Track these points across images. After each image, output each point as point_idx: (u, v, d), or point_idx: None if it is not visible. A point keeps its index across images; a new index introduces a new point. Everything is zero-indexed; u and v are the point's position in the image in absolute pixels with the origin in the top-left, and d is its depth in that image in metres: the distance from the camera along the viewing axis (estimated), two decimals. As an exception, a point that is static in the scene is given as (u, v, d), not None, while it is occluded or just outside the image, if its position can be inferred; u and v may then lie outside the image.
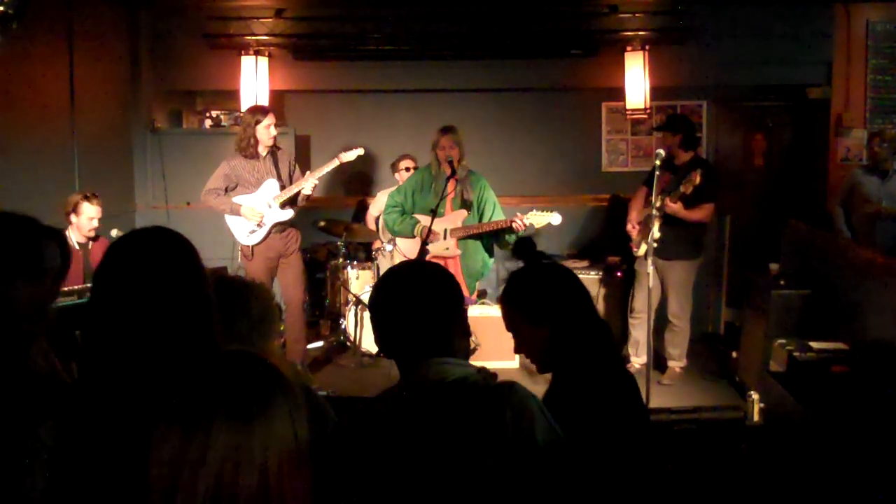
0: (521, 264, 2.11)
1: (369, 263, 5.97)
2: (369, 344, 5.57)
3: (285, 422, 1.08)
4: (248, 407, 1.06)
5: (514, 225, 4.48)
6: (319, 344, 5.95)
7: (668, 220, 4.87)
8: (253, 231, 4.99)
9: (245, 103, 6.36)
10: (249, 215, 4.93)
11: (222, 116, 6.72)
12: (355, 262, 5.94)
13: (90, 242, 4.65)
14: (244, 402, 1.06)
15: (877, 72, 6.29)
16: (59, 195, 4.79)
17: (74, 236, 4.56)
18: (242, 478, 1.02)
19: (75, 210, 4.55)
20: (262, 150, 5.02)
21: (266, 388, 1.09)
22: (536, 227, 4.55)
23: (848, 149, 6.37)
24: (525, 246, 1.79)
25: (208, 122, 6.76)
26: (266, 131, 4.94)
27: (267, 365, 1.14)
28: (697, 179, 4.65)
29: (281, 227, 5.04)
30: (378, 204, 5.99)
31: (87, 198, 4.58)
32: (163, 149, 6.55)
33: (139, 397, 1.42)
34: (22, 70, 4.91)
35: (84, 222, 4.56)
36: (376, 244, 5.92)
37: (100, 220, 4.63)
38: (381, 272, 5.68)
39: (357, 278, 5.84)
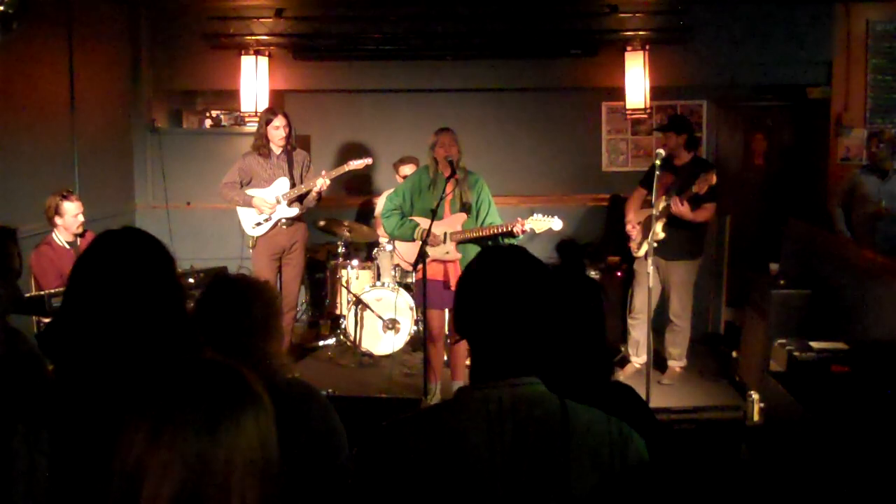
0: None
1: (369, 263, 5.97)
2: (369, 344, 5.58)
3: (252, 437, 1.08)
4: (215, 418, 1.06)
5: (514, 229, 4.47)
6: (319, 344, 5.95)
7: (671, 221, 4.87)
8: (259, 224, 5.30)
9: (245, 103, 6.37)
10: (261, 205, 5.23)
11: (222, 116, 6.72)
12: (355, 262, 5.94)
13: (78, 239, 4.60)
14: (212, 412, 1.06)
15: (877, 72, 6.30)
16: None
17: (63, 237, 4.49)
18: (205, 489, 1.02)
19: (57, 212, 4.44)
20: (276, 150, 5.31)
21: (236, 401, 1.09)
22: (538, 231, 4.54)
23: (848, 149, 6.37)
24: (570, 248, 1.76)
25: (208, 122, 6.76)
26: (275, 131, 5.24)
27: (240, 377, 1.13)
28: (714, 180, 4.66)
29: (289, 222, 5.33)
30: (381, 206, 5.99)
31: (64, 197, 4.48)
32: (163, 149, 6.55)
33: (114, 397, 1.45)
34: (22, 70, 4.91)
35: (70, 221, 4.46)
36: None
37: (84, 213, 4.54)
38: (381, 272, 5.74)
39: (357, 278, 5.84)
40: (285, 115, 5.29)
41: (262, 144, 5.27)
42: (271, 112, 5.32)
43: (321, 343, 5.98)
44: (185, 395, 1.08)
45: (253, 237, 5.33)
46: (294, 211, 5.28)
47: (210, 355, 1.17)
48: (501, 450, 1.29)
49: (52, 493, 1.41)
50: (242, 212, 5.32)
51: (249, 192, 5.26)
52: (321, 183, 5.18)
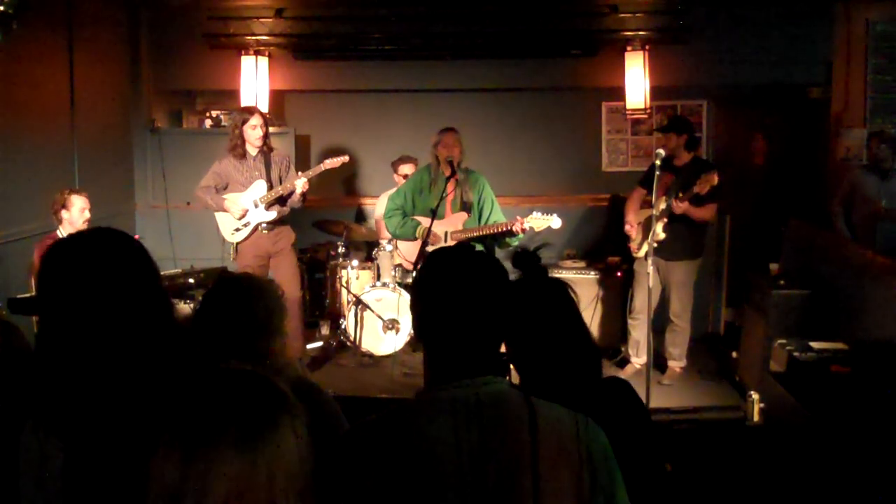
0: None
1: (369, 263, 5.97)
2: (369, 344, 5.57)
3: (291, 447, 1.05)
4: (253, 434, 1.02)
5: (514, 228, 4.47)
6: (319, 344, 5.94)
7: (671, 221, 4.88)
8: (238, 229, 5.08)
9: (245, 103, 6.36)
10: (233, 209, 5.01)
11: (222, 116, 6.72)
12: (355, 262, 5.94)
13: None
14: (250, 428, 1.03)
15: (877, 72, 6.29)
16: (59, 195, 4.78)
17: (66, 233, 4.52)
18: (248, 502, 1.00)
19: (65, 206, 4.47)
20: (252, 151, 5.07)
21: (272, 413, 1.06)
22: (537, 230, 4.54)
23: (848, 149, 6.36)
24: (525, 258, 1.75)
25: (208, 122, 6.77)
26: (252, 131, 4.99)
27: (271, 385, 1.10)
28: (715, 180, 4.67)
29: (269, 226, 5.10)
30: (381, 206, 5.99)
31: (72, 191, 4.52)
32: (163, 149, 6.55)
33: (117, 405, 1.38)
34: (22, 70, 4.91)
35: (76, 214, 4.47)
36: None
37: (90, 210, 4.55)
38: (381, 272, 5.74)
39: (357, 278, 5.84)
40: (262, 115, 5.09)
41: (237, 146, 5.02)
42: (247, 111, 5.09)
43: (321, 343, 5.98)
44: (220, 410, 1.04)
45: (233, 244, 5.12)
46: (272, 214, 5.05)
47: (236, 365, 1.12)
48: (468, 450, 1.29)
49: (65, 488, 1.39)
50: (220, 218, 5.11)
51: (225, 195, 5.06)
52: (301, 184, 4.96)
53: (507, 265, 1.96)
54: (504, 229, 4.53)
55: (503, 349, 1.88)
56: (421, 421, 1.32)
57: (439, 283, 1.41)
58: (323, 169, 5.08)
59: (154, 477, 1.00)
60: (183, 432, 1.03)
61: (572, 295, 1.92)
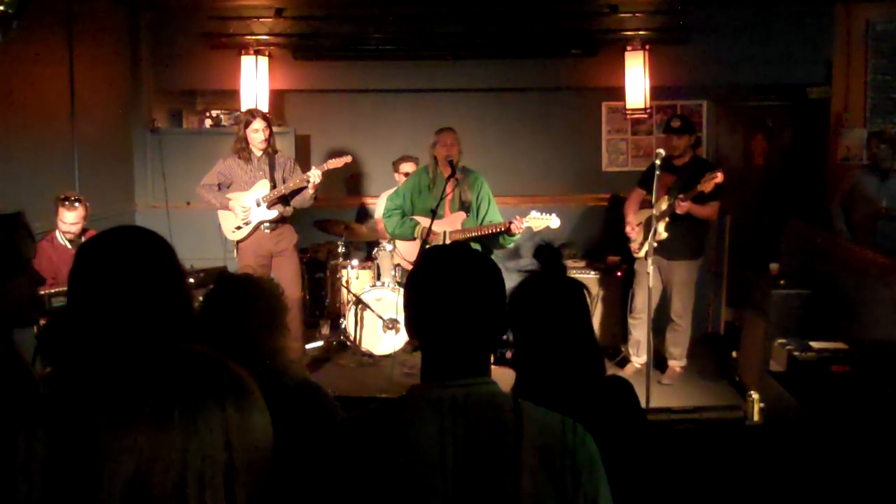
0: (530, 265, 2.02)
1: (369, 263, 5.97)
2: (369, 344, 5.58)
3: (215, 431, 1.05)
4: (171, 408, 1.04)
5: (511, 227, 4.47)
6: (319, 344, 5.94)
7: (673, 220, 4.88)
8: (239, 227, 5.11)
9: (245, 103, 6.37)
10: (237, 209, 5.05)
11: (222, 116, 6.72)
12: (355, 262, 5.94)
13: (81, 240, 4.57)
14: (170, 402, 1.05)
15: (877, 72, 6.29)
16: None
17: (64, 236, 4.52)
18: (157, 478, 1.01)
19: (58, 215, 4.46)
20: (257, 152, 5.13)
21: (200, 394, 1.07)
22: (535, 229, 4.54)
23: (848, 149, 6.37)
24: (547, 253, 1.76)
25: (208, 122, 6.76)
26: (254, 134, 5.05)
27: (220, 370, 1.11)
28: (720, 178, 4.68)
29: (272, 225, 5.13)
30: (381, 207, 5.99)
31: (63, 203, 4.45)
32: (163, 149, 6.55)
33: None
34: (22, 70, 4.91)
35: (66, 227, 4.47)
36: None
37: (85, 217, 4.50)
38: (381, 272, 5.74)
39: (357, 278, 5.84)
40: (265, 118, 5.13)
41: (242, 147, 5.08)
42: (250, 114, 5.15)
43: (321, 343, 5.98)
44: (148, 382, 1.07)
45: (235, 242, 5.16)
46: (273, 213, 5.08)
47: (199, 348, 1.14)
48: (452, 449, 1.29)
49: (48, 484, 1.41)
50: (222, 216, 5.15)
51: (229, 195, 5.11)
52: (317, 174, 4.97)
53: (527, 259, 1.96)
54: (502, 229, 4.53)
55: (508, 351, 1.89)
56: (407, 418, 1.32)
57: (431, 280, 1.40)
58: (326, 168, 5.07)
59: (89, 442, 1.04)
60: (112, 401, 1.07)
61: (587, 297, 1.92)
